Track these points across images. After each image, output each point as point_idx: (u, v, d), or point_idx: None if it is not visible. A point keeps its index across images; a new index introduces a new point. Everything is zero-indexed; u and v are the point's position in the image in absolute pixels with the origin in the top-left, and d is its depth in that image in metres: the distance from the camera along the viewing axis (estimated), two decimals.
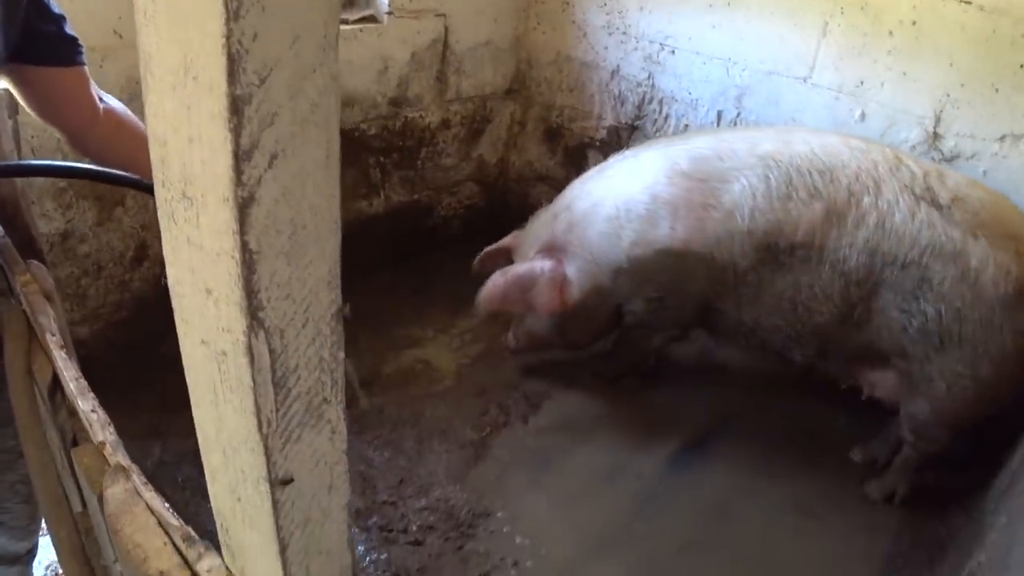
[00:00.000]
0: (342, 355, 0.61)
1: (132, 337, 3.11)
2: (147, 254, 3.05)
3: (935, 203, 2.47)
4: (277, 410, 0.58)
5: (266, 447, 0.58)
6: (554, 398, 3.24)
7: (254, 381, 0.55)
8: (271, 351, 0.55)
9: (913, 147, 3.04)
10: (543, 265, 2.93)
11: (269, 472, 0.60)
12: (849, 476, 3.00)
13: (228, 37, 0.44)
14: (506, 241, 3.26)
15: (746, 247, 2.63)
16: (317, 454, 0.62)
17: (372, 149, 3.60)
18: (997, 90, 2.84)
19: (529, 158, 4.18)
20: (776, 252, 2.62)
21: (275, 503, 0.61)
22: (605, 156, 3.82)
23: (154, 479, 1.11)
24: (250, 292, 0.52)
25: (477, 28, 3.74)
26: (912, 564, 2.67)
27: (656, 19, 3.52)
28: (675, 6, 3.45)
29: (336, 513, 0.67)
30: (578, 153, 3.97)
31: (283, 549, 0.64)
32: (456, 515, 2.67)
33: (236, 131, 0.47)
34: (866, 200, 2.51)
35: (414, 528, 2.60)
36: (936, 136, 3.00)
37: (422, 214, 3.98)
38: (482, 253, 3.29)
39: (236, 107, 0.46)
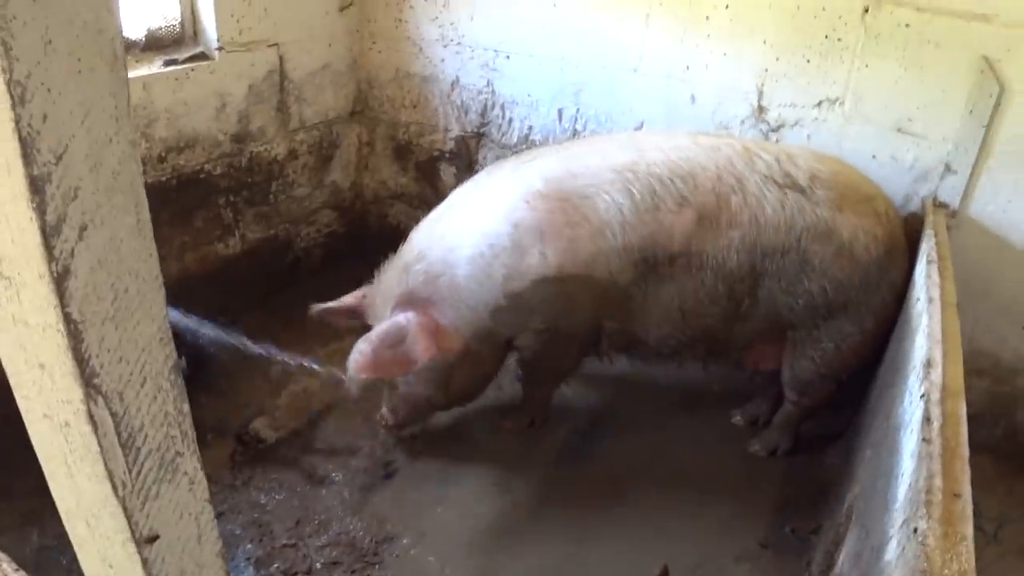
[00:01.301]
0: (187, 407, 0.62)
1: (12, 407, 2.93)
2: None
3: (797, 187, 2.58)
4: (130, 471, 0.58)
5: (125, 509, 0.59)
6: (440, 413, 3.26)
7: (101, 446, 0.56)
8: (113, 415, 0.56)
9: (742, 121, 3.23)
10: (407, 316, 2.71)
11: (133, 532, 0.60)
12: (732, 439, 3.17)
13: (17, 122, 0.45)
14: (349, 300, 3.00)
15: (623, 263, 2.61)
16: (179, 507, 0.63)
17: (220, 189, 3.53)
18: (808, 60, 3.05)
19: (382, 178, 4.19)
20: (655, 264, 2.62)
21: (145, 562, 0.62)
22: (456, 167, 3.89)
23: (38, 567, 1.07)
24: (81, 361, 0.53)
25: (312, 54, 3.72)
26: (800, 511, 2.85)
27: (488, 27, 3.60)
28: (504, 11, 3.53)
29: (210, 562, 0.68)
30: (429, 167, 4.01)
31: None
32: (359, 546, 2.66)
33: (40, 209, 0.48)
34: (734, 199, 2.56)
35: (318, 567, 2.57)
36: (761, 109, 3.19)
37: (282, 248, 3.92)
38: (321, 308, 3.00)
39: (36, 186, 0.47)
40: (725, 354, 2.92)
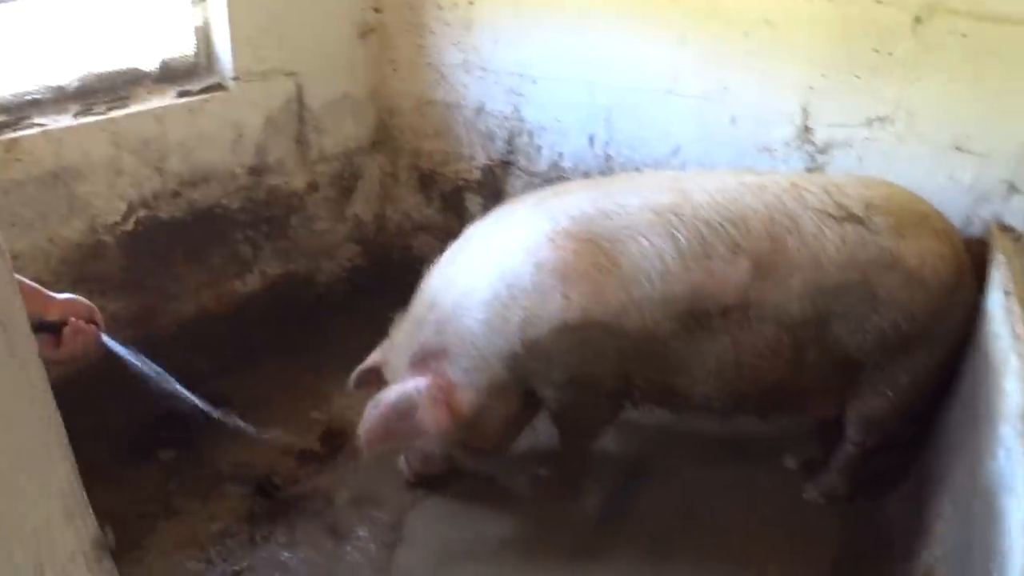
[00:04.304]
0: None
1: None
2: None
3: (854, 218, 2.37)
4: None
5: None
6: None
7: None
8: None
9: (787, 143, 3.04)
10: (416, 384, 2.52)
11: None
12: (783, 485, 2.94)
13: None
14: (374, 358, 2.81)
15: (661, 316, 2.38)
16: None
17: (238, 224, 3.38)
18: (858, 76, 2.86)
19: (406, 208, 4.02)
20: (703, 317, 2.38)
21: None
22: (483, 197, 3.73)
23: None
24: None
25: (331, 83, 3.58)
26: (862, 564, 2.62)
27: (512, 50, 3.43)
28: (529, 34, 3.37)
29: None
30: (455, 197, 3.84)
31: None
32: None
33: None
34: (791, 241, 2.35)
35: None
36: (807, 129, 3.00)
37: (302, 284, 3.76)
38: (356, 372, 2.84)
39: None
40: (785, 407, 2.70)
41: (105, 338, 1.88)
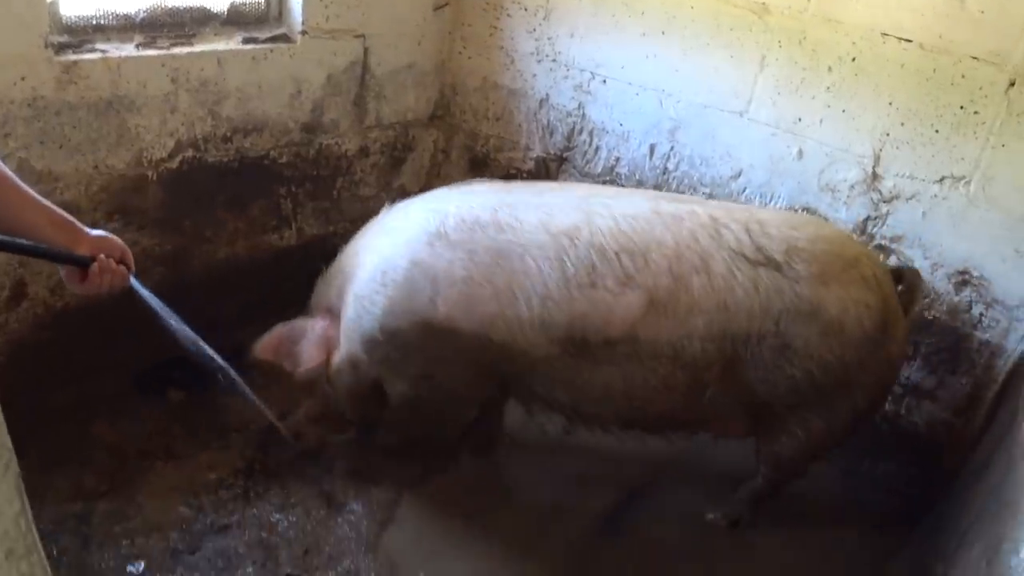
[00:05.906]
0: None
1: (8, 385, 2.79)
2: (25, 293, 2.75)
3: (772, 263, 2.26)
4: None
5: None
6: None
7: None
8: None
9: (852, 186, 2.95)
10: (316, 322, 2.73)
11: None
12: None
13: None
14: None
15: (538, 338, 2.31)
16: None
17: (283, 178, 3.34)
18: (937, 131, 2.75)
19: None
20: (587, 346, 2.30)
21: None
22: None
23: None
24: None
25: (399, 50, 3.52)
26: None
27: (588, 47, 3.35)
28: (607, 34, 3.28)
29: None
30: None
31: None
32: None
33: None
34: (696, 281, 2.24)
35: None
36: (876, 176, 2.89)
37: (338, 246, 3.69)
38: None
39: None
40: (683, 431, 2.66)
41: (133, 281, 1.85)
